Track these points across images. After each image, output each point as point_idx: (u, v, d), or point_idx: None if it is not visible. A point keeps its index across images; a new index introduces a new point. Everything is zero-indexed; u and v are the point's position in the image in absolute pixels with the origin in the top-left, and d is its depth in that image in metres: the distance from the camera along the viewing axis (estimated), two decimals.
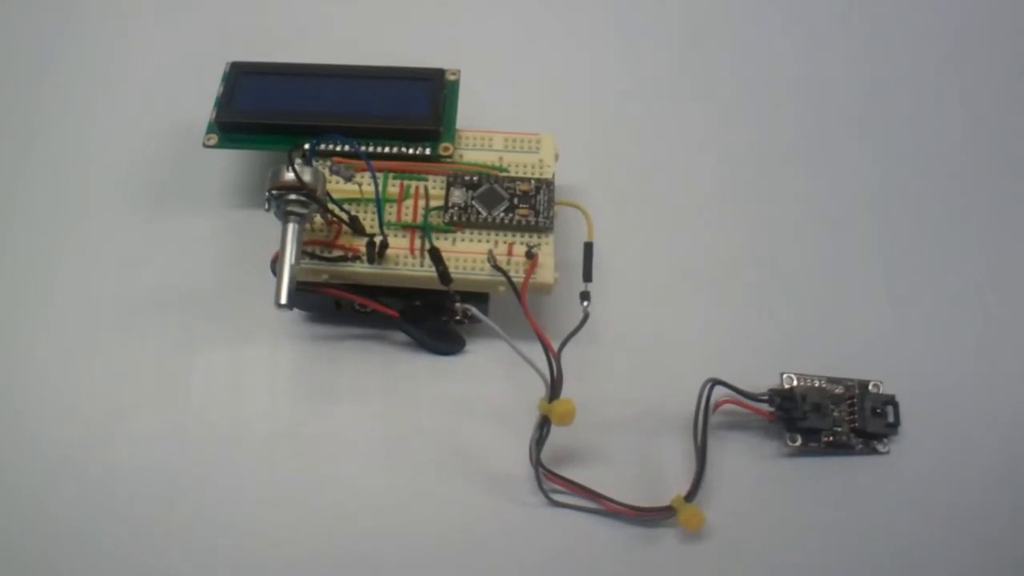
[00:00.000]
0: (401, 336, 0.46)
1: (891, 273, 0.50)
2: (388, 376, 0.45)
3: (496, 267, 0.42)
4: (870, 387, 0.45)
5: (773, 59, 0.58)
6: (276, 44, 0.51)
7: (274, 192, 0.39)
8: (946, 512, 0.43)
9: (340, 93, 0.46)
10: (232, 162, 0.51)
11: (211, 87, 0.48)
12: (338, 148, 0.44)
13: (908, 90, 0.57)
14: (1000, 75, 0.58)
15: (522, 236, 0.44)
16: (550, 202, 0.44)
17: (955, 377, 0.46)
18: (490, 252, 0.42)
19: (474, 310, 0.41)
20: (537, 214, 0.44)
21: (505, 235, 0.44)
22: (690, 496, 0.41)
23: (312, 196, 0.39)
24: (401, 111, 0.46)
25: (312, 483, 0.42)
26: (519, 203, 0.44)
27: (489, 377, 0.45)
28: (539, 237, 0.44)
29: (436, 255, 0.41)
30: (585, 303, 0.42)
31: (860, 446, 0.44)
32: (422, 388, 0.45)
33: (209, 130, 0.46)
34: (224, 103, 0.46)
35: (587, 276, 0.43)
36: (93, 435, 0.43)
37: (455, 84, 0.48)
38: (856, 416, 0.44)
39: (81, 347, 0.46)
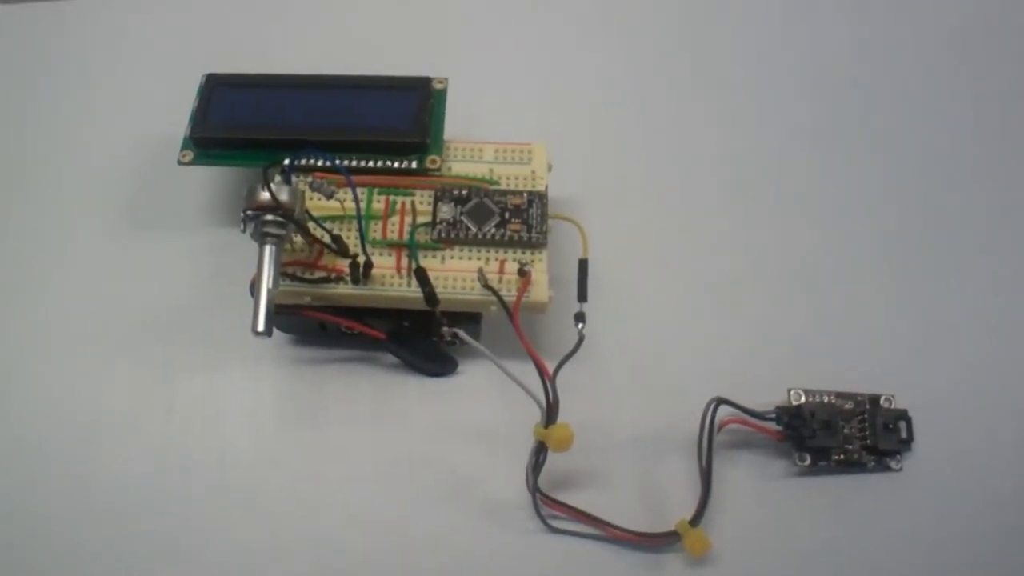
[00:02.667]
0: (391, 358, 0.44)
1: (900, 282, 0.48)
2: (377, 399, 0.44)
3: (487, 286, 0.40)
4: (881, 401, 0.44)
5: (775, 66, 0.56)
6: (254, 54, 0.50)
7: (249, 213, 0.38)
8: (962, 531, 0.41)
9: (321, 105, 0.45)
10: (210, 178, 0.49)
11: (187, 100, 0.46)
12: (319, 163, 0.43)
13: (917, 98, 0.55)
14: (1013, 83, 0.56)
15: (514, 252, 0.42)
16: (543, 216, 0.42)
17: (970, 390, 0.45)
18: (480, 271, 0.40)
19: (463, 334, 0.39)
20: (530, 229, 0.42)
21: (496, 251, 0.42)
22: (695, 520, 0.40)
23: (289, 217, 0.38)
24: (386, 123, 0.44)
25: (299, 512, 0.41)
26: (511, 218, 0.42)
27: (483, 398, 0.43)
28: (532, 253, 0.42)
29: (422, 276, 0.40)
30: (580, 325, 0.41)
31: (872, 464, 0.43)
32: (413, 411, 0.43)
33: (184, 146, 0.45)
34: (199, 118, 0.45)
35: (582, 296, 0.41)
36: (71, 463, 0.42)
37: (442, 93, 0.46)
38: (867, 432, 0.43)
39: (56, 372, 0.44)
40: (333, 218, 0.42)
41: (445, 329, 0.40)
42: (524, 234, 0.42)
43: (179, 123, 0.45)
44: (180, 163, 0.44)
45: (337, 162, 0.40)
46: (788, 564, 0.40)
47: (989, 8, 0.59)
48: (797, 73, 0.56)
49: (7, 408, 0.43)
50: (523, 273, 0.41)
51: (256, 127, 0.44)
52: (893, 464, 0.43)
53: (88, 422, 0.43)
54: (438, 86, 0.46)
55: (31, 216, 0.49)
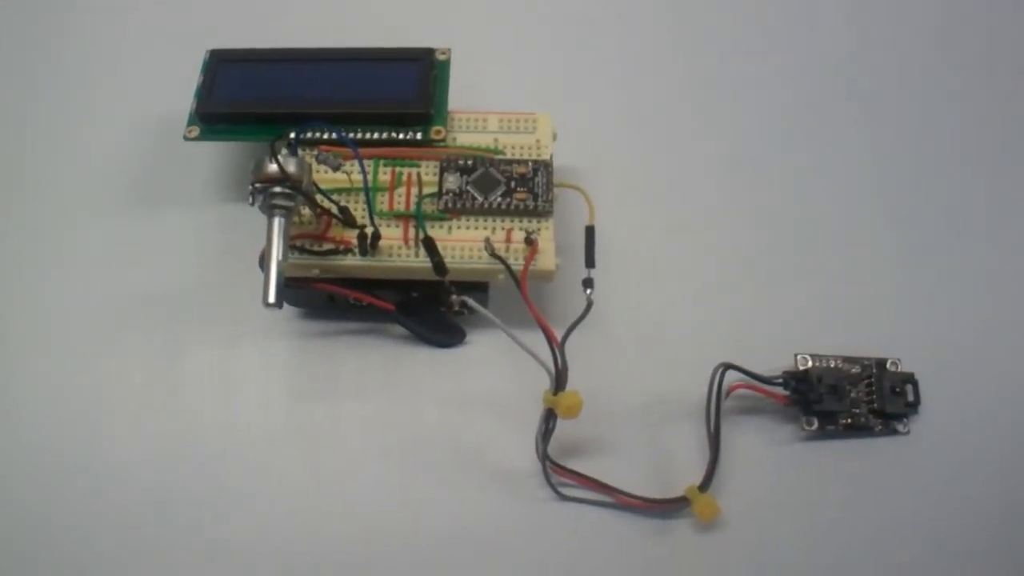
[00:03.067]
0: (399, 329, 0.44)
1: (905, 244, 0.48)
2: (387, 371, 0.44)
3: (494, 255, 0.40)
4: (888, 365, 0.44)
5: (783, 36, 0.56)
6: (257, 29, 0.49)
7: (257, 185, 0.38)
8: (970, 493, 0.41)
9: (325, 78, 0.45)
10: (216, 154, 0.49)
11: (191, 76, 0.46)
12: (325, 136, 0.43)
13: (918, 71, 0.55)
14: (1009, 52, 0.56)
15: (521, 221, 0.42)
16: (549, 184, 0.42)
17: (976, 351, 0.45)
18: (487, 240, 0.40)
19: (471, 302, 0.39)
20: (536, 198, 0.42)
21: (503, 220, 0.42)
22: (704, 485, 0.40)
23: (297, 188, 0.38)
24: (390, 94, 0.44)
25: (311, 485, 0.41)
26: (516, 187, 0.42)
27: (492, 368, 0.44)
28: (538, 222, 0.42)
29: (430, 245, 0.40)
30: (588, 291, 0.41)
31: (879, 427, 0.43)
32: (423, 382, 0.43)
33: (190, 122, 0.45)
34: (204, 94, 0.45)
35: (589, 262, 0.41)
36: (82, 442, 0.42)
37: (446, 64, 0.46)
38: (874, 396, 0.43)
39: (66, 351, 0.44)
40: (340, 190, 0.42)
41: (454, 298, 0.40)
42: (530, 203, 0.42)
43: (184, 99, 0.45)
44: (186, 139, 0.44)
45: (343, 134, 0.40)
46: (797, 528, 0.40)
47: None
48: (804, 41, 0.55)
49: (17, 388, 0.43)
50: (530, 241, 0.41)
51: (261, 102, 0.44)
52: (900, 427, 0.43)
53: (97, 402, 0.43)
54: (441, 57, 0.46)
55: (37, 196, 0.49)
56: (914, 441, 0.43)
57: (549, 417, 0.39)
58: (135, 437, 0.42)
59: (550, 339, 0.38)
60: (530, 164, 0.43)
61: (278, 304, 0.37)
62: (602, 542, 0.40)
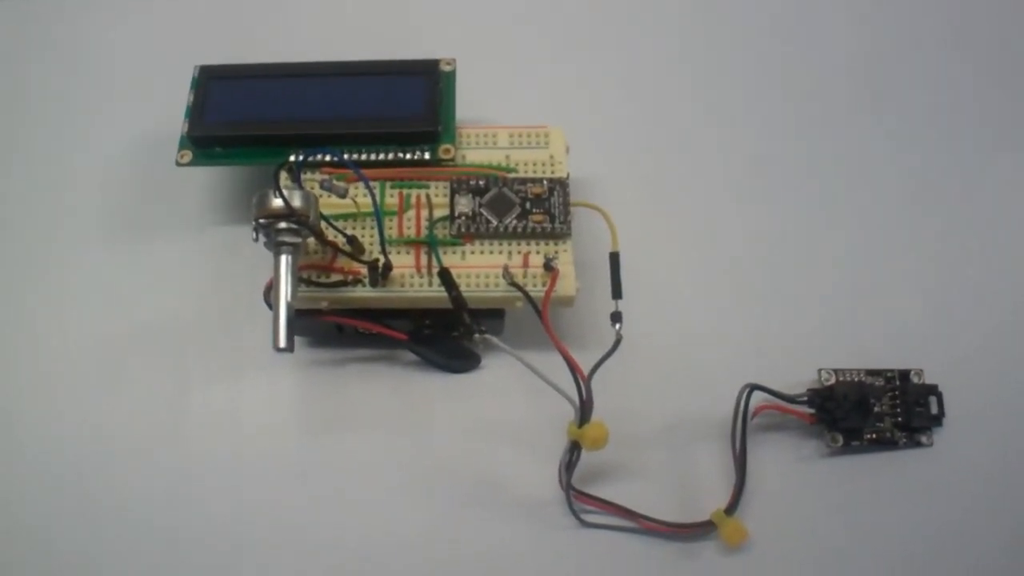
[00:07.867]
0: (411, 355, 0.43)
1: (925, 254, 0.47)
2: (400, 400, 0.42)
3: (513, 283, 0.38)
4: (911, 376, 0.43)
5: (798, 39, 0.54)
6: (248, 41, 0.47)
7: (262, 221, 0.35)
8: (995, 504, 0.41)
9: (323, 94, 0.42)
10: (212, 177, 0.47)
11: (179, 93, 0.44)
12: (327, 159, 0.40)
13: (938, 81, 0.53)
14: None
15: (538, 244, 0.40)
16: (566, 205, 0.41)
17: (999, 361, 0.44)
18: (505, 268, 0.39)
19: (496, 340, 0.37)
20: (553, 219, 0.40)
21: (519, 244, 0.40)
22: (731, 509, 0.39)
23: (304, 223, 0.36)
24: (394, 111, 0.42)
25: (324, 519, 0.40)
26: (532, 208, 0.40)
27: (508, 393, 0.42)
28: (556, 244, 0.40)
29: (447, 278, 0.38)
30: (617, 326, 0.38)
31: (904, 441, 0.42)
32: (437, 410, 0.42)
33: (182, 146, 0.42)
34: (196, 115, 0.42)
35: (616, 292, 0.39)
36: (82, 481, 0.40)
37: (451, 75, 0.43)
38: (899, 410, 0.42)
39: (66, 386, 0.43)
40: (346, 216, 0.40)
41: (477, 336, 0.37)
42: (547, 225, 0.40)
43: (174, 118, 0.43)
44: (179, 164, 0.42)
45: (346, 156, 0.38)
46: (824, 547, 0.40)
47: None
48: (820, 50, 0.54)
49: (16, 426, 0.42)
50: (550, 268, 0.39)
51: (256, 122, 0.42)
52: (924, 440, 0.42)
53: (101, 438, 0.41)
54: (446, 68, 0.44)
55: (25, 228, 0.47)
56: (938, 453, 0.42)
57: (573, 449, 0.38)
58: (140, 473, 0.41)
59: (576, 372, 0.37)
60: (545, 183, 0.41)
61: (289, 348, 0.35)
62: (627, 569, 0.39)
